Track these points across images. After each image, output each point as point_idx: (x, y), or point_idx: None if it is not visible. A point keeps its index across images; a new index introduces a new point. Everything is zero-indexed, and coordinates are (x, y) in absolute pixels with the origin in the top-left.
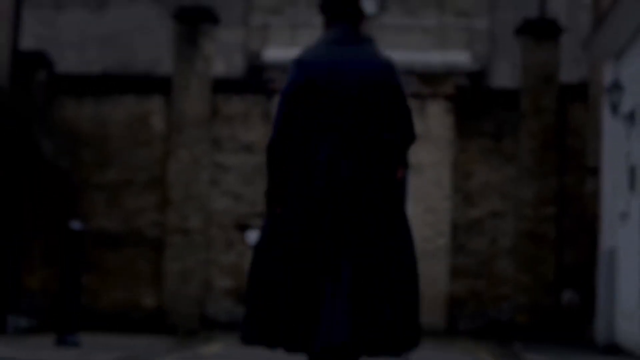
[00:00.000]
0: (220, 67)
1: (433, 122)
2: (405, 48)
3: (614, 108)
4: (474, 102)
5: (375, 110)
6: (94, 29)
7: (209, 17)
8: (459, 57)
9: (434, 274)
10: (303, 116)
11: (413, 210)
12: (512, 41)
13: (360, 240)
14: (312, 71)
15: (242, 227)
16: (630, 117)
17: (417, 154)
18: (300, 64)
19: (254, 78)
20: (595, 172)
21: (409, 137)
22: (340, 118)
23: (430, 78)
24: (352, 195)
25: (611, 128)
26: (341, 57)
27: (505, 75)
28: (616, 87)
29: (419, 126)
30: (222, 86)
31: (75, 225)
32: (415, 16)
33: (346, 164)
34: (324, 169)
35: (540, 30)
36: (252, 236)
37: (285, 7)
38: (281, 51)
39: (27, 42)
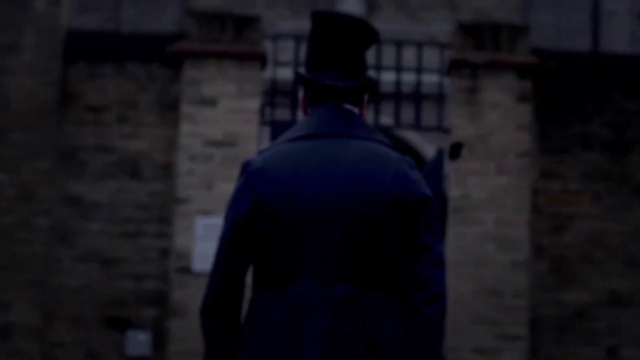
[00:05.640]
0: None
1: (491, 121)
2: (404, 64)
3: None
4: (571, 82)
5: (373, 246)
6: None
7: None
8: None
9: None
10: (255, 257)
11: (454, 286)
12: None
13: None
14: (266, 189)
15: (118, 323)
16: None
17: (463, 182)
18: (248, 175)
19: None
20: None
21: (441, 301)
22: (309, 261)
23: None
24: None
25: None
26: (314, 163)
27: None
28: None
29: (466, 129)
30: (84, 47)
31: None
32: (417, 20)
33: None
34: (286, 337)
35: None
36: (140, 340)
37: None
38: None
39: None
